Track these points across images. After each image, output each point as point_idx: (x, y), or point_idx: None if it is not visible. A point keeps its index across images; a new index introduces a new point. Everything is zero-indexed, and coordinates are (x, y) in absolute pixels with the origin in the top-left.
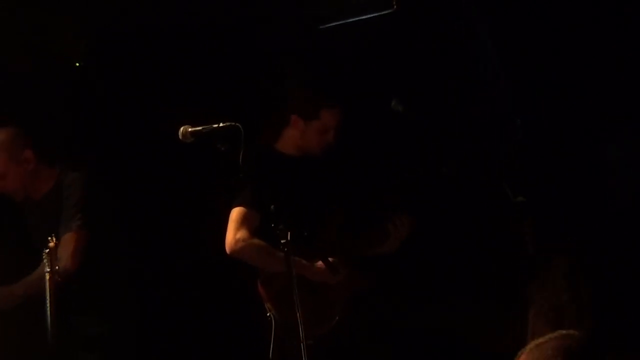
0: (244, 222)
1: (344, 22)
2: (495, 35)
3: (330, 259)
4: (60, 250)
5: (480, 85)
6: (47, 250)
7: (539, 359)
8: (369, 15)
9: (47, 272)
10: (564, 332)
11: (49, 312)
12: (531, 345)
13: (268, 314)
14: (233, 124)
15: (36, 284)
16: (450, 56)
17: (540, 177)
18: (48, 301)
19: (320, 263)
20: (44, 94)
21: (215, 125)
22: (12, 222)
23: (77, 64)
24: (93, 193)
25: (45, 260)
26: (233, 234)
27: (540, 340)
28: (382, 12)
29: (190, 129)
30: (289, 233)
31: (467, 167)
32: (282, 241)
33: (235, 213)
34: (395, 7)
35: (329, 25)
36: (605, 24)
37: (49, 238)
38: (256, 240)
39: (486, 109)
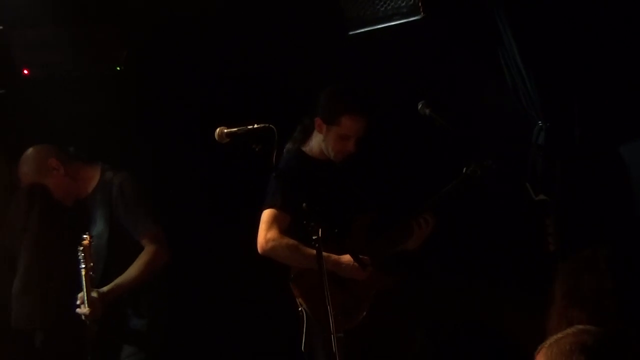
0: (274, 222)
1: (372, 28)
2: (520, 41)
3: (359, 256)
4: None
5: (506, 89)
6: (82, 247)
7: (557, 354)
8: (397, 22)
9: (83, 268)
10: (581, 327)
11: (87, 305)
12: (551, 340)
13: (300, 309)
14: (267, 125)
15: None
16: (476, 62)
17: (561, 177)
18: (86, 295)
19: (349, 258)
20: (87, 96)
21: (250, 127)
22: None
23: (118, 69)
24: (145, 192)
25: (80, 257)
26: (264, 234)
27: (559, 335)
28: (410, 19)
29: (226, 130)
30: (320, 230)
31: (491, 168)
32: (314, 237)
33: (266, 214)
34: (422, 14)
35: (358, 31)
36: (627, 29)
37: (84, 236)
38: (286, 239)
39: (511, 113)
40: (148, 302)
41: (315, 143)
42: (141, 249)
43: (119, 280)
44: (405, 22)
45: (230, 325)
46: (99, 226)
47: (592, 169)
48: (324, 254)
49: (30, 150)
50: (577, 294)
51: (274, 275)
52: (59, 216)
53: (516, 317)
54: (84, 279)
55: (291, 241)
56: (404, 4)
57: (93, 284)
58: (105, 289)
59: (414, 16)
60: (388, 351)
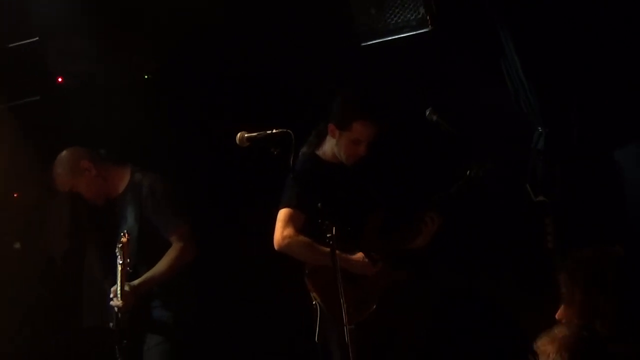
0: (290, 221)
1: (383, 40)
2: (521, 53)
3: (371, 253)
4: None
5: (508, 97)
6: (120, 245)
7: (548, 351)
8: (407, 34)
9: (120, 264)
10: (569, 327)
11: (120, 298)
12: (545, 336)
13: (313, 302)
14: (285, 130)
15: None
16: (479, 71)
17: (559, 179)
18: (119, 289)
19: (360, 256)
20: (117, 102)
21: (269, 132)
22: (98, 223)
23: (146, 77)
24: (173, 193)
25: (118, 254)
26: (280, 232)
27: (554, 331)
28: (419, 31)
29: (246, 135)
30: (334, 228)
31: (493, 170)
32: (328, 235)
33: (282, 213)
34: (430, 27)
35: (370, 42)
36: (621, 41)
37: (122, 234)
38: (301, 237)
39: (512, 119)
40: (175, 296)
41: (329, 147)
42: (169, 245)
43: (149, 274)
44: (414, 34)
45: (250, 318)
46: (130, 224)
47: (589, 172)
48: (337, 252)
49: (63, 153)
50: (601, 286)
51: (289, 271)
52: (95, 216)
53: (517, 310)
54: (119, 273)
55: (306, 239)
56: (413, 17)
57: (129, 278)
58: (136, 282)
59: (423, 29)
60: (395, 343)
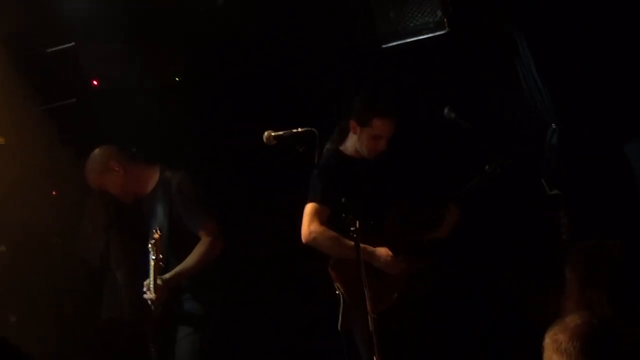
0: (315, 215)
1: (403, 42)
2: (535, 53)
3: (390, 248)
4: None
5: (522, 95)
6: (153, 241)
7: (560, 339)
8: (425, 36)
9: (153, 259)
10: (581, 315)
11: (153, 291)
12: (557, 325)
13: (337, 292)
14: (310, 129)
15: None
16: (495, 71)
17: (573, 173)
18: (152, 283)
19: (383, 251)
20: (147, 104)
21: (295, 130)
22: (123, 220)
23: (177, 79)
24: (200, 190)
25: (151, 250)
26: (307, 226)
27: (566, 320)
28: (436, 33)
29: (273, 133)
30: (357, 222)
31: (507, 164)
32: (352, 229)
33: (308, 208)
34: (447, 29)
35: (390, 44)
36: (637, 34)
37: (154, 230)
38: (327, 231)
39: (526, 116)
40: (204, 289)
41: (351, 143)
42: (197, 240)
43: (179, 268)
44: (432, 36)
45: (275, 308)
46: (160, 221)
47: (600, 166)
48: (361, 245)
49: (95, 151)
50: (594, 279)
51: (313, 263)
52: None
53: (532, 300)
54: (152, 268)
55: (332, 233)
56: (431, 20)
57: (160, 273)
58: (167, 276)
59: (440, 31)
60: (414, 331)
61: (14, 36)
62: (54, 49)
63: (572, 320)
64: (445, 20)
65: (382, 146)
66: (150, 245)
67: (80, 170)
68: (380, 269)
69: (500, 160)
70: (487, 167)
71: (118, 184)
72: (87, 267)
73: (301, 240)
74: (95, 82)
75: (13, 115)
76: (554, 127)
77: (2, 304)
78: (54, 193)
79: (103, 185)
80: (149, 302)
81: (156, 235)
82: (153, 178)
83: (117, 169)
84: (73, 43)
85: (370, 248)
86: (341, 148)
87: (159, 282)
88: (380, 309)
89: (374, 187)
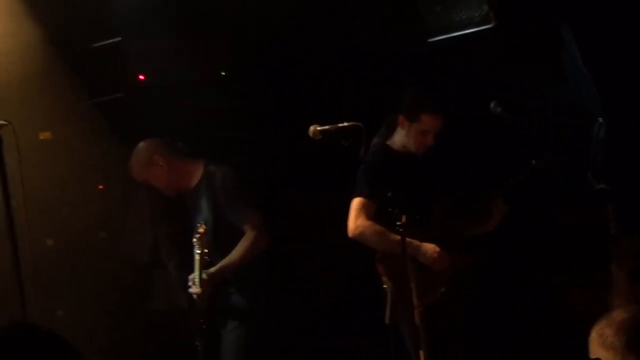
0: (362, 210)
1: (449, 36)
2: (582, 46)
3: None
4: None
5: (569, 89)
6: (198, 235)
7: (606, 334)
8: (471, 30)
9: (198, 253)
10: (628, 310)
11: (198, 285)
12: (603, 319)
13: (384, 286)
14: (355, 123)
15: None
16: (541, 64)
17: (620, 167)
18: (197, 277)
19: (430, 247)
20: (194, 99)
21: (340, 125)
22: (170, 213)
23: (223, 74)
24: (245, 184)
25: (196, 244)
26: (354, 220)
27: (612, 315)
28: (482, 27)
29: (319, 128)
30: (404, 216)
31: (554, 159)
32: (397, 223)
33: (355, 202)
34: (493, 23)
35: (437, 38)
36: None
37: (199, 225)
38: (374, 225)
39: (573, 110)
40: (249, 283)
41: (398, 138)
42: (242, 234)
43: (224, 262)
44: (478, 30)
45: (321, 301)
46: (205, 215)
47: None
48: (407, 239)
49: (140, 145)
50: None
51: (361, 257)
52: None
53: (579, 294)
54: (197, 262)
55: (378, 227)
56: (477, 14)
57: (205, 267)
58: (212, 270)
59: (486, 24)
60: (459, 326)
61: (61, 31)
62: (101, 43)
63: (618, 314)
64: (491, 14)
65: (429, 141)
66: (195, 240)
67: (126, 165)
68: (426, 264)
69: (547, 154)
70: (534, 161)
71: (162, 178)
72: (134, 261)
73: (348, 235)
74: (141, 77)
75: (60, 110)
76: (600, 120)
77: (49, 298)
78: (100, 187)
79: (147, 179)
80: (195, 296)
81: (201, 230)
82: (197, 172)
83: (161, 163)
84: (120, 38)
85: (416, 242)
86: (389, 143)
87: (204, 276)
88: (427, 302)
89: (421, 181)
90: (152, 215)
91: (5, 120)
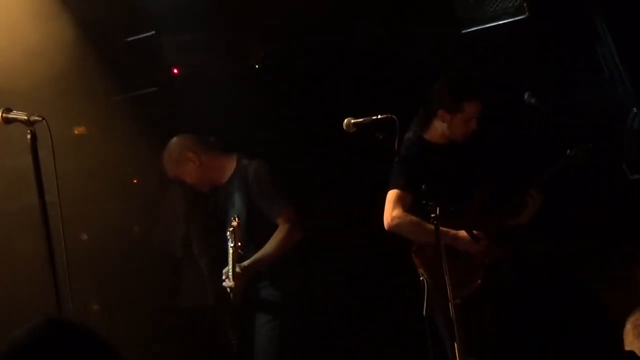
0: (398, 201)
1: (483, 26)
2: (616, 37)
3: (473, 231)
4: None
5: (603, 79)
6: (232, 228)
7: None
8: (504, 21)
9: (232, 247)
10: None
11: (232, 279)
12: (637, 312)
13: (421, 278)
14: (389, 115)
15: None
16: (576, 56)
17: None
18: (231, 270)
19: (464, 233)
20: (227, 91)
21: (374, 117)
22: (203, 208)
23: (257, 66)
24: (278, 177)
25: (229, 237)
26: (390, 212)
27: None
28: (516, 18)
29: (353, 121)
30: (437, 209)
31: (589, 149)
32: (432, 215)
33: (391, 194)
34: (527, 13)
35: (470, 29)
36: None
37: (232, 218)
38: (410, 217)
39: (607, 100)
40: (283, 276)
41: (437, 130)
42: (275, 228)
43: (257, 255)
44: (512, 21)
45: (355, 294)
46: (238, 209)
47: None
48: (443, 229)
49: (173, 140)
50: None
51: (396, 249)
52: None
53: (613, 286)
54: (231, 256)
55: (414, 218)
56: (510, 4)
57: (238, 261)
58: (246, 263)
59: (520, 15)
60: (500, 315)
61: (95, 26)
62: (135, 37)
63: None
64: (525, 4)
65: (474, 126)
66: (228, 233)
67: (160, 159)
68: (464, 249)
69: (582, 145)
70: (568, 151)
71: (193, 175)
72: (167, 255)
73: (384, 227)
74: (175, 71)
75: (95, 104)
76: (635, 110)
77: (84, 292)
78: (134, 182)
79: (179, 174)
80: (228, 290)
81: (234, 223)
82: (230, 167)
83: (193, 159)
84: (154, 32)
85: (452, 231)
86: (424, 135)
87: (237, 269)
88: (464, 294)
89: (458, 173)
90: (186, 209)
91: (39, 116)
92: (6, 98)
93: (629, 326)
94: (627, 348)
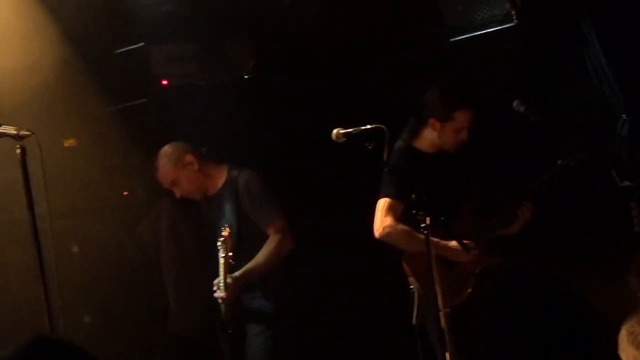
0: (389, 210)
1: (471, 35)
2: (603, 43)
3: (464, 241)
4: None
5: (592, 86)
6: (222, 239)
7: (637, 332)
8: (492, 29)
9: (222, 257)
10: None
11: (223, 290)
12: (633, 317)
13: (411, 287)
14: (378, 125)
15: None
16: (564, 63)
17: None
18: (222, 281)
19: (454, 243)
20: (217, 102)
21: (364, 127)
22: (193, 218)
23: (245, 77)
24: (268, 187)
25: (220, 247)
26: (380, 221)
27: None
28: (504, 26)
29: (342, 131)
30: (428, 218)
31: (580, 158)
32: (422, 225)
33: (382, 203)
34: (515, 21)
35: (458, 38)
36: None
37: (223, 228)
38: (400, 226)
39: (596, 108)
40: (274, 287)
41: (427, 139)
42: (266, 238)
43: (249, 265)
44: (500, 29)
45: (347, 303)
46: (229, 219)
47: None
48: (434, 239)
49: (167, 146)
50: None
51: (386, 258)
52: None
53: (605, 292)
54: (222, 266)
55: (405, 227)
56: (498, 12)
57: (230, 271)
58: (237, 274)
59: (508, 23)
60: (489, 324)
61: (83, 37)
62: (123, 49)
63: None
64: (513, 12)
65: (464, 136)
66: (219, 244)
67: (151, 170)
68: (454, 259)
69: (573, 154)
70: (559, 161)
71: (192, 180)
72: (157, 265)
73: (374, 236)
74: (165, 82)
75: (84, 117)
76: (624, 117)
77: (76, 304)
78: (125, 193)
79: (177, 180)
80: (220, 300)
81: (225, 233)
82: (221, 177)
83: (191, 164)
84: (143, 43)
85: (443, 242)
86: (415, 144)
87: (229, 280)
88: (453, 303)
89: (448, 182)
90: (174, 220)
91: (28, 130)
92: None
93: (623, 332)
94: (621, 353)
